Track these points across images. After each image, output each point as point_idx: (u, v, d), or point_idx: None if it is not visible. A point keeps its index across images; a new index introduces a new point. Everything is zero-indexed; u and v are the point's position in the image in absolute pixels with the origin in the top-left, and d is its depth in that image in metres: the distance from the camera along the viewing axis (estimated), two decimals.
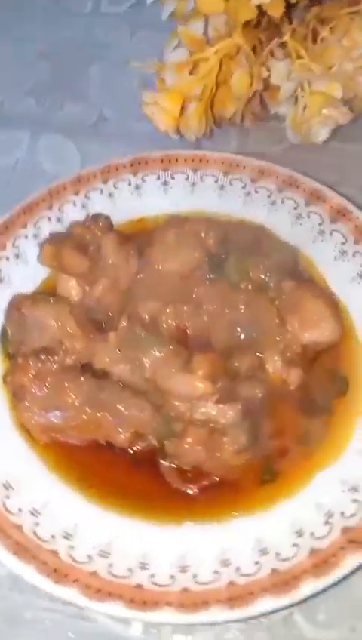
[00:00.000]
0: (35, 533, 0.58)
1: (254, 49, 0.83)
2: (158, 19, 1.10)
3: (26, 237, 0.77)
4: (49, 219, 0.79)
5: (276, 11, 0.77)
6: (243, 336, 0.68)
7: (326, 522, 0.59)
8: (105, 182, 0.81)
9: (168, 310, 0.70)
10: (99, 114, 1.02)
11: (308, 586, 0.55)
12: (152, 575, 0.57)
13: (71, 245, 0.68)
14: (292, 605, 0.57)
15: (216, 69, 0.78)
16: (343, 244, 0.76)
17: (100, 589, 0.55)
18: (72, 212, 0.80)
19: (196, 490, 0.63)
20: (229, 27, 0.78)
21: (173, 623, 0.57)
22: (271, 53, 0.82)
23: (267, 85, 0.85)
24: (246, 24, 0.80)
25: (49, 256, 0.66)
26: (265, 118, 0.91)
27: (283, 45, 0.83)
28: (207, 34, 0.82)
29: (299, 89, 0.80)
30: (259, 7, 0.76)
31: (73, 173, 0.84)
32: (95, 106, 1.03)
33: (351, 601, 0.61)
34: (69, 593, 0.55)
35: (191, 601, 0.55)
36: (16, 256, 0.76)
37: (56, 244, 0.66)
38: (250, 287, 0.71)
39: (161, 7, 0.83)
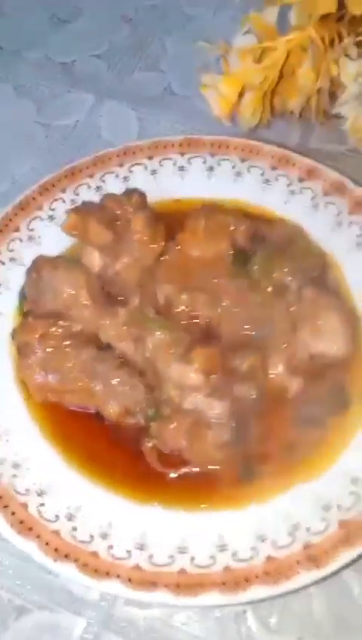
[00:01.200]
0: (12, 485, 0.62)
1: (332, 42, 0.80)
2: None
3: (64, 201, 0.79)
4: (89, 186, 0.80)
5: (357, 8, 0.74)
6: (252, 335, 0.68)
7: (290, 534, 0.59)
8: (150, 158, 0.82)
9: (184, 296, 0.70)
10: (167, 86, 1.02)
11: (257, 591, 0.56)
12: (110, 546, 0.59)
13: (98, 217, 0.69)
14: (239, 604, 0.58)
15: (282, 60, 0.76)
16: None
17: (58, 549, 0.58)
18: (113, 183, 0.81)
19: (173, 475, 0.64)
20: (307, 18, 0.75)
21: (118, 595, 0.59)
22: (345, 51, 0.78)
23: (336, 83, 0.81)
24: (326, 16, 0.77)
25: (72, 224, 0.67)
26: (330, 116, 0.88)
27: (360, 44, 0.79)
28: (284, 22, 0.80)
29: None
30: (341, 1, 0.73)
31: (124, 143, 0.85)
32: (164, 78, 1.03)
33: (304, 612, 0.61)
34: (29, 547, 0.58)
35: (140, 579, 0.57)
36: (51, 218, 0.78)
37: (83, 214, 0.68)
38: (270, 288, 0.71)
39: None
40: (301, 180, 0.80)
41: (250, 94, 0.77)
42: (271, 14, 0.75)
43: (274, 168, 0.81)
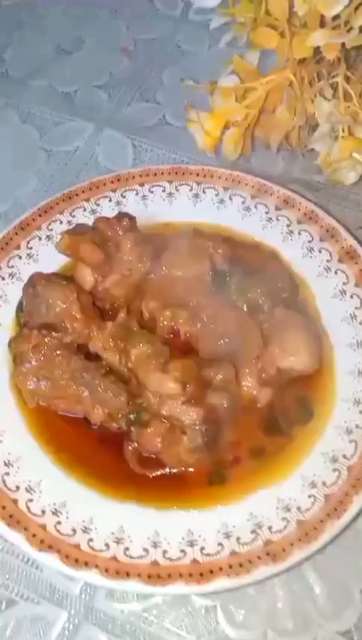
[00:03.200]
0: (3, 482, 0.68)
1: (312, 82, 0.88)
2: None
3: (61, 222, 0.86)
4: (85, 209, 0.87)
5: (331, 53, 0.81)
6: (226, 349, 0.74)
7: (253, 532, 0.65)
8: (141, 185, 0.89)
9: (167, 312, 0.77)
10: (161, 117, 1.09)
11: (220, 582, 0.62)
12: (91, 539, 0.65)
13: (90, 238, 0.75)
14: (204, 594, 0.64)
15: (261, 99, 0.83)
16: (344, 284, 0.80)
17: (43, 541, 0.64)
18: (107, 207, 0.88)
19: (149, 476, 0.70)
20: (287, 60, 0.82)
21: (97, 586, 0.65)
22: (321, 91, 0.85)
23: (314, 120, 0.88)
24: (305, 59, 0.84)
25: (66, 245, 0.74)
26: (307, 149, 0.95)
27: (334, 85, 0.86)
28: (268, 62, 0.87)
29: (340, 129, 0.84)
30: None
31: (118, 170, 0.92)
32: (160, 109, 1.10)
33: (269, 609, 0.67)
34: (17, 538, 0.64)
35: (116, 569, 0.63)
36: (48, 237, 0.85)
37: (75, 236, 0.74)
38: (245, 306, 0.77)
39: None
40: (278, 208, 0.86)
41: (231, 130, 0.84)
42: (252, 57, 0.82)
43: (253, 197, 0.87)
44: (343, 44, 0.80)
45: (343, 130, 0.84)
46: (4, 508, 0.66)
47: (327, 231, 0.83)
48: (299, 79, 0.85)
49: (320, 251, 0.83)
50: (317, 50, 0.82)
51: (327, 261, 0.82)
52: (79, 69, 1.18)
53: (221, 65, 0.89)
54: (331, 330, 0.78)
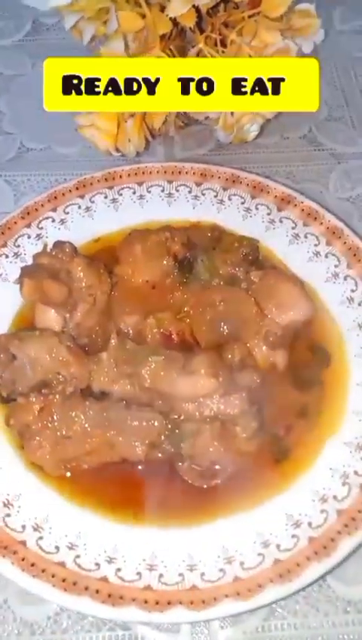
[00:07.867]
0: (79, 565, 0.58)
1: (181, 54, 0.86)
2: (57, 46, 1.12)
3: None
4: (6, 256, 0.78)
5: (189, 21, 0.81)
6: (226, 330, 0.71)
7: (344, 483, 0.63)
8: (54, 210, 0.82)
9: (150, 320, 0.72)
10: (20, 144, 1.01)
11: (345, 546, 0.59)
12: (203, 574, 0.58)
13: (46, 275, 0.67)
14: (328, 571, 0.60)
15: None
16: (293, 228, 0.81)
17: (158, 601, 0.56)
18: (29, 245, 0.79)
19: (218, 482, 0.65)
20: (147, 42, 0.80)
21: (224, 615, 0.59)
22: None
23: None
24: (162, 37, 0.83)
25: (31, 290, 0.65)
26: (191, 124, 0.95)
27: (198, 53, 0.86)
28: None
29: None
30: (173, 19, 0.79)
31: (15, 207, 0.84)
32: (15, 137, 1.02)
33: None
34: (128, 614, 0.56)
35: (246, 588, 0.57)
36: None
37: (35, 277, 0.66)
38: (221, 283, 0.74)
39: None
40: (198, 183, 0.85)
41: (129, 123, 0.81)
42: (118, 45, 0.79)
43: (171, 182, 0.85)
44: (198, 13, 0.81)
45: None
46: (97, 592, 0.57)
47: (255, 187, 0.83)
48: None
49: (256, 208, 0.83)
50: (175, 22, 0.82)
51: (268, 214, 0.82)
52: None
53: None
54: (303, 274, 0.78)
